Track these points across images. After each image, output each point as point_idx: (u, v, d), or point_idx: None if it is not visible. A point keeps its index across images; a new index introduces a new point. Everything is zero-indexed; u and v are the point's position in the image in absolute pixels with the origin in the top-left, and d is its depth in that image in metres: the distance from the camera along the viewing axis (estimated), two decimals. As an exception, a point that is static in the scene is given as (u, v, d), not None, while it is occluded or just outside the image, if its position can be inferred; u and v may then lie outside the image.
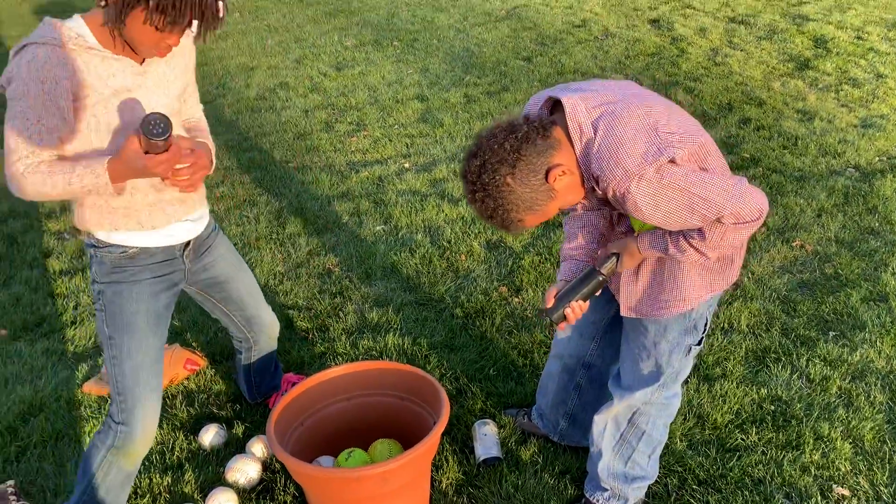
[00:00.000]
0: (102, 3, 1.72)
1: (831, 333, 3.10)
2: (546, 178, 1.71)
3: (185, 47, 2.00)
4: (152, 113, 1.69)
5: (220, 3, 1.73)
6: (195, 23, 1.72)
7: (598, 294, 2.03)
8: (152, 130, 1.68)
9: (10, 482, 2.38)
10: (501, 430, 2.62)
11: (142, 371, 2.04)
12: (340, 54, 6.87)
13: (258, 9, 8.52)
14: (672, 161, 1.68)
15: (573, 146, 1.73)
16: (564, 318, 1.99)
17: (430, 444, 2.10)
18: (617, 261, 1.97)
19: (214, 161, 2.09)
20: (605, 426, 2.24)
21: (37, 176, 1.74)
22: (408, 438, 2.41)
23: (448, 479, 2.45)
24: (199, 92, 2.17)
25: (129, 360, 2.02)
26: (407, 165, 4.70)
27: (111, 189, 1.78)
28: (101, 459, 2.09)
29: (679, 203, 1.69)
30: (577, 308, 1.98)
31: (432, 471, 2.47)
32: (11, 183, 1.76)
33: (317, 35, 7.48)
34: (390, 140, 5.06)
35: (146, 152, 1.73)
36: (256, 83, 6.25)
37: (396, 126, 5.30)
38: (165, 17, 1.66)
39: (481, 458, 2.48)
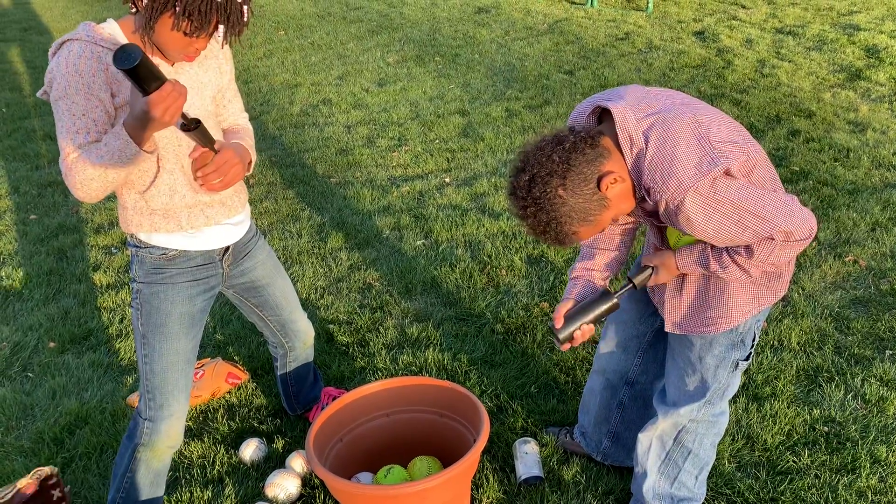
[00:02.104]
0: (133, 10, 1.76)
1: (888, 352, 2.99)
2: (598, 186, 1.67)
3: (217, 51, 2.03)
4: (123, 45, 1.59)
5: (245, 7, 1.75)
6: (221, 27, 1.74)
7: (604, 320, 1.98)
8: (119, 59, 1.52)
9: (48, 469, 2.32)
10: (543, 449, 2.57)
11: (172, 371, 2.07)
12: (382, 70, 6.92)
13: (302, 27, 8.64)
14: (727, 172, 1.64)
15: (623, 156, 1.70)
16: (572, 338, 1.94)
17: (470, 462, 2.06)
18: (651, 274, 1.92)
19: (254, 162, 2.10)
20: (649, 445, 2.18)
21: (79, 163, 1.74)
22: (447, 456, 2.38)
23: (488, 498, 2.41)
24: (243, 106, 2.19)
25: (161, 360, 2.06)
26: (448, 180, 4.69)
27: (134, 147, 1.71)
28: (130, 457, 2.15)
29: (731, 218, 1.65)
30: (587, 331, 1.94)
31: (472, 489, 2.43)
32: (67, 182, 1.77)
33: (359, 52, 7.56)
34: (431, 155, 5.07)
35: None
36: (300, 99, 6.33)
37: (437, 141, 5.31)
38: (192, 21, 1.68)
39: (522, 478, 2.43)
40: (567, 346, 1.96)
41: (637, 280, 1.93)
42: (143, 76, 1.58)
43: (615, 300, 1.93)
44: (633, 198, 1.76)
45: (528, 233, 1.75)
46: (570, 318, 1.94)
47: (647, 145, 1.66)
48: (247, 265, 2.23)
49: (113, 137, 1.72)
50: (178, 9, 1.67)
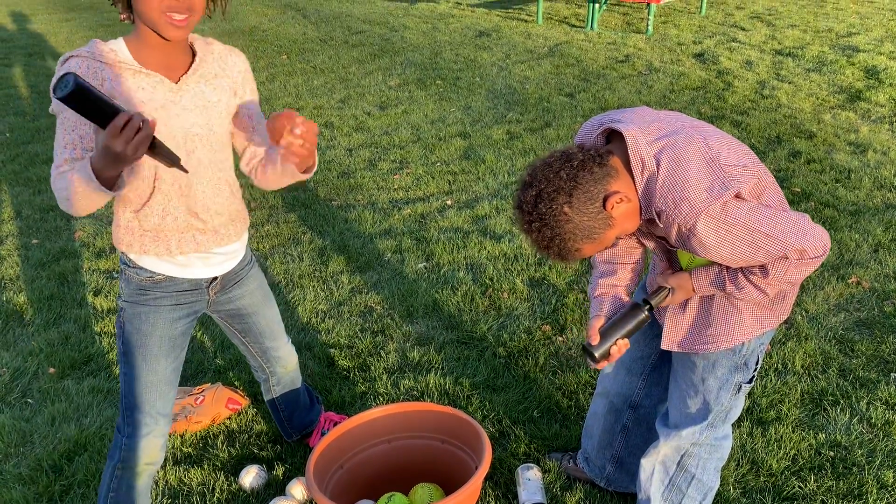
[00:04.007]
0: (124, 18, 1.80)
1: (893, 375, 2.96)
2: (604, 205, 1.68)
3: (232, 72, 2.00)
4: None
5: None
6: None
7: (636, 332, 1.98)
8: (56, 89, 1.45)
9: None
10: (546, 475, 2.55)
11: (150, 391, 2.07)
12: (384, 94, 6.96)
13: (305, 51, 8.71)
14: (737, 195, 1.64)
15: (633, 178, 1.70)
16: (608, 355, 1.93)
17: (472, 489, 2.04)
18: (667, 294, 1.91)
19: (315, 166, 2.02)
20: (652, 470, 2.16)
21: (59, 181, 1.75)
22: (449, 483, 2.36)
23: (491, 525, 2.38)
24: None
25: (139, 380, 2.06)
26: (449, 202, 4.69)
27: (96, 184, 1.64)
28: (111, 476, 2.14)
29: (744, 240, 1.65)
30: (623, 346, 1.93)
31: (474, 516, 2.40)
32: (56, 194, 1.78)
33: (361, 75, 7.60)
34: (433, 177, 5.08)
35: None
36: (302, 123, 6.35)
37: (439, 163, 5.32)
38: None
39: (525, 504, 2.41)
40: (603, 363, 1.95)
41: (654, 300, 1.92)
42: (84, 104, 1.45)
43: (646, 313, 1.92)
44: (637, 217, 1.76)
45: (531, 247, 1.75)
46: (604, 334, 1.93)
47: (658, 169, 1.66)
48: (235, 293, 2.21)
49: (81, 167, 1.67)
50: None
